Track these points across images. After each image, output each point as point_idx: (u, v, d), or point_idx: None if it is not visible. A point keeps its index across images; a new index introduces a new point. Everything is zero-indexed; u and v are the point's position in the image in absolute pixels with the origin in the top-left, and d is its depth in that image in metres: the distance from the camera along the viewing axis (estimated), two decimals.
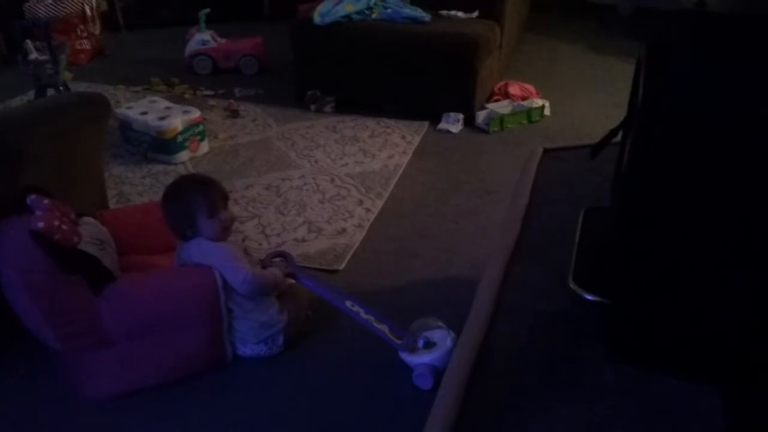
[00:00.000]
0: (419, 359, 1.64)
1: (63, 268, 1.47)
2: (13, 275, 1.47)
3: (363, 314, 1.74)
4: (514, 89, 3.45)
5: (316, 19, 3.28)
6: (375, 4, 3.38)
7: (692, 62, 1.02)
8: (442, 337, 1.66)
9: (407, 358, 1.66)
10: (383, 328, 1.72)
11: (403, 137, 3.13)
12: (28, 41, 3.13)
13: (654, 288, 1.20)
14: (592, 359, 1.25)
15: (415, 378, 1.64)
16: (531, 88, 3.50)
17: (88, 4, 4.21)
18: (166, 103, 2.97)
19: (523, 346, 1.30)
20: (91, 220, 1.69)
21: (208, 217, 1.67)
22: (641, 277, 1.20)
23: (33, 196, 1.52)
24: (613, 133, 1.52)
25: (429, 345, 1.65)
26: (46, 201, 1.51)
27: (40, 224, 1.45)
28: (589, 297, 1.28)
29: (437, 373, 1.60)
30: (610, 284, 1.28)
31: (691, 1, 1.14)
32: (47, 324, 1.49)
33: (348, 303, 1.76)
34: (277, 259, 1.87)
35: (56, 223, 1.47)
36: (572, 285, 1.30)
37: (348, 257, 2.20)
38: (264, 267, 1.81)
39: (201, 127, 2.91)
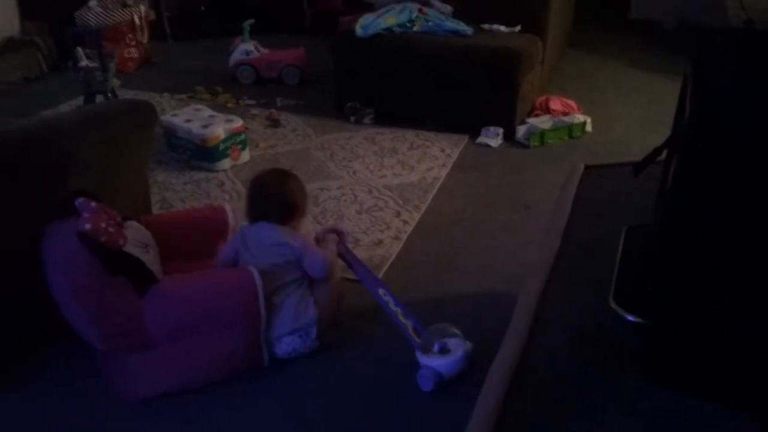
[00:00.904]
0: (428, 361, 1.71)
1: (108, 270, 1.51)
2: (60, 276, 1.51)
3: (392, 305, 1.81)
4: (555, 104, 3.43)
5: (358, 31, 3.31)
6: (417, 17, 3.40)
7: (740, 81, 1.00)
8: (456, 345, 1.74)
9: (419, 356, 1.73)
10: (407, 323, 1.77)
11: (442, 150, 3.13)
12: (78, 49, 3.22)
13: (696, 310, 1.18)
14: (631, 380, 1.23)
15: (419, 377, 1.71)
16: (572, 103, 3.47)
17: (137, 14, 4.32)
18: (210, 112, 3.03)
19: (560, 364, 1.28)
20: (135, 223, 1.73)
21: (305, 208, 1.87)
22: (683, 298, 1.18)
23: (81, 199, 1.56)
24: (657, 151, 1.49)
25: (444, 351, 1.72)
26: (93, 204, 1.56)
27: (87, 226, 1.49)
28: (630, 317, 1.26)
29: (441, 378, 1.69)
30: (651, 305, 1.25)
31: (739, 19, 1.12)
32: (92, 324, 1.53)
33: (381, 291, 1.83)
34: (332, 235, 1.95)
35: (103, 225, 1.51)
36: (613, 304, 1.28)
37: (385, 269, 2.20)
38: (318, 241, 1.91)
39: (243, 136, 2.96)
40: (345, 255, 1.94)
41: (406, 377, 1.73)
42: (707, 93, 1.06)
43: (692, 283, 1.17)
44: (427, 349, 1.72)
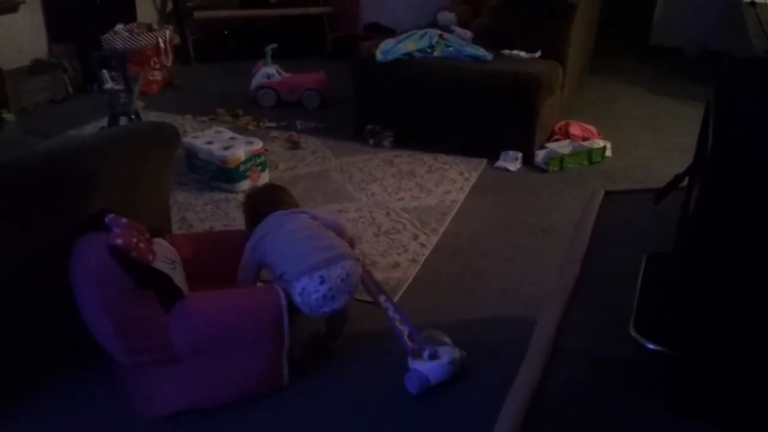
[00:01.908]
0: (417, 366, 1.76)
1: (138, 284, 1.53)
2: (89, 289, 1.54)
3: (391, 312, 1.86)
4: (575, 129, 3.42)
5: (379, 56, 3.35)
6: (437, 42, 3.43)
7: (763, 109, 1.00)
8: (444, 352, 1.79)
9: (410, 361, 1.78)
10: (404, 330, 1.82)
11: (461, 173, 3.13)
12: (104, 71, 3.29)
13: (718, 339, 1.16)
14: (650, 410, 1.21)
15: (406, 379, 1.76)
16: (592, 128, 3.47)
17: (162, 38, 4.41)
18: (231, 134, 3.07)
19: (579, 392, 1.27)
20: (162, 241, 1.75)
21: None
22: (705, 327, 1.16)
23: (111, 215, 1.59)
24: (678, 178, 1.48)
25: (433, 357, 1.77)
26: (124, 220, 1.58)
27: (119, 241, 1.52)
28: (651, 346, 1.24)
29: (427, 382, 1.75)
30: (672, 333, 1.24)
31: (763, 47, 1.12)
32: (118, 337, 1.55)
33: (382, 297, 1.89)
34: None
35: (134, 240, 1.54)
36: (633, 333, 1.27)
37: (401, 292, 2.20)
38: None
39: (262, 158, 2.99)
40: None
41: (430, 399, 1.72)
42: (730, 121, 1.05)
43: (714, 311, 1.15)
44: (417, 354, 1.77)
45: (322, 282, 1.72)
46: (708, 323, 1.17)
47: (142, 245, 1.56)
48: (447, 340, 1.85)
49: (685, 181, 1.51)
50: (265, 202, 2.02)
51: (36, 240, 1.61)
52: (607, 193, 1.81)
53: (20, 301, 1.62)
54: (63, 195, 1.66)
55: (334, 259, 1.76)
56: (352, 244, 2.06)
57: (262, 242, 1.86)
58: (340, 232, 1.99)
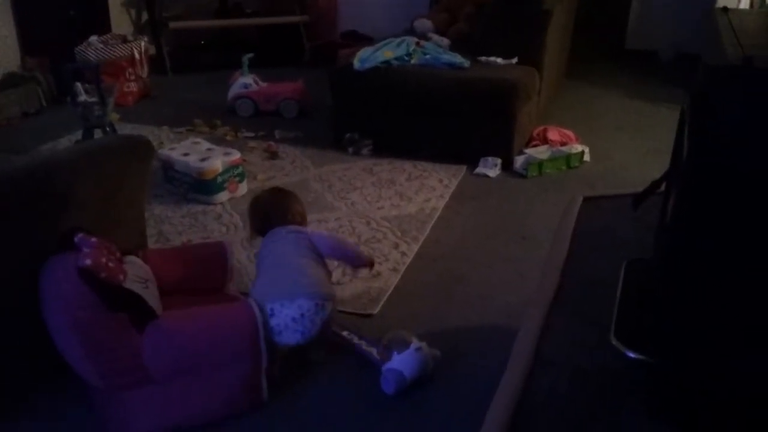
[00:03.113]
0: (388, 365, 1.76)
1: (109, 306, 1.49)
2: (58, 311, 1.50)
3: (356, 340, 1.90)
4: (553, 134, 3.44)
5: (356, 64, 3.34)
6: (414, 50, 3.43)
7: (740, 117, 1.00)
8: (413, 342, 1.80)
9: (382, 367, 1.78)
10: (371, 350, 1.85)
11: (440, 181, 3.13)
12: (77, 84, 3.24)
13: (697, 346, 1.16)
14: (633, 419, 1.21)
15: (382, 382, 1.76)
16: (570, 133, 3.49)
17: (137, 49, 4.36)
18: (208, 145, 3.04)
19: (561, 401, 1.26)
20: (134, 258, 1.72)
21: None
22: (683, 334, 1.16)
23: (80, 235, 1.55)
24: (655, 184, 1.49)
25: (400, 351, 1.78)
26: (93, 239, 1.54)
27: (88, 261, 1.48)
28: (631, 354, 1.24)
29: (402, 377, 1.74)
30: (651, 341, 1.24)
31: (737, 55, 1.12)
32: (90, 360, 1.51)
33: (345, 332, 1.93)
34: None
35: (103, 260, 1.50)
36: (614, 341, 1.26)
37: (382, 301, 2.18)
38: None
39: (240, 169, 2.96)
40: None
41: (411, 407, 1.70)
42: (706, 127, 1.05)
43: (692, 318, 1.15)
44: (386, 357, 1.78)
45: (271, 315, 1.70)
46: (686, 330, 1.17)
47: (112, 265, 1.52)
48: (413, 338, 1.82)
49: (663, 187, 1.52)
50: (276, 211, 2.01)
51: (7, 259, 1.57)
52: (586, 199, 1.81)
53: None
54: (35, 212, 1.62)
55: (291, 295, 1.72)
56: (371, 263, 2.06)
57: (259, 257, 1.93)
58: (341, 254, 2.01)
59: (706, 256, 1.11)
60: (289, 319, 1.70)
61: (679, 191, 1.17)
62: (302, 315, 1.71)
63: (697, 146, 1.07)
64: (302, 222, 2.04)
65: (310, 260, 1.85)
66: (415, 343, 1.80)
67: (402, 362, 1.75)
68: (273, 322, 1.70)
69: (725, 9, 1.42)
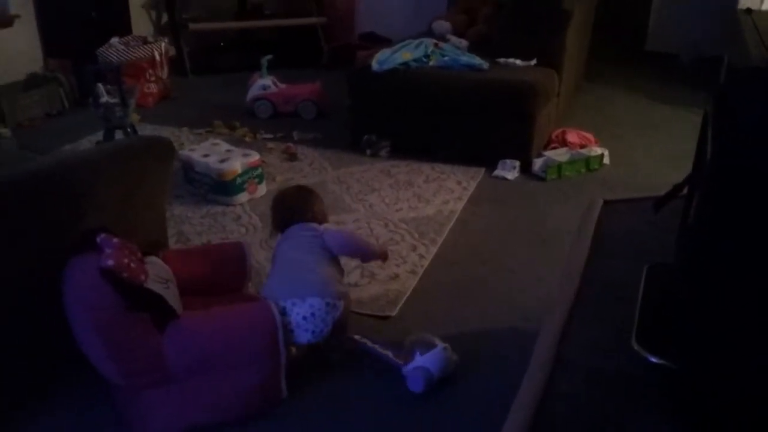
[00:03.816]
0: (413, 364, 1.75)
1: (130, 306, 1.51)
2: (81, 311, 1.51)
3: (370, 343, 1.87)
4: (572, 137, 3.42)
5: (374, 66, 3.34)
6: (432, 52, 3.42)
7: (764, 118, 0.99)
8: (433, 343, 1.80)
9: (405, 369, 1.77)
10: (387, 353, 1.84)
11: (458, 183, 3.12)
12: (99, 85, 3.28)
13: (720, 351, 1.15)
14: (654, 424, 1.20)
15: (408, 382, 1.75)
16: (590, 136, 3.47)
17: (157, 50, 4.41)
18: (227, 146, 3.06)
19: (582, 406, 1.25)
20: (155, 259, 1.73)
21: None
22: (706, 339, 1.15)
23: (103, 235, 1.57)
24: (677, 188, 1.48)
25: (425, 350, 1.78)
26: (115, 240, 1.56)
27: (110, 262, 1.49)
28: (653, 359, 1.23)
29: (429, 374, 1.73)
30: (674, 346, 1.22)
31: (762, 56, 1.11)
32: (112, 359, 1.53)
33: (357, 336, 1.90)
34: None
35: (125, 261, 1.52)
36: (635, 345, 1.25)
37: (400, 304, 2.18)
38: None
39: (259, 170, 2.98)
40: None
41: (432, 409, 1.70)
42: (730, 130, 1.04)
43: (715, 322, 1.14)
44: (408, 359, 1.78)
45: (282, 314, 1.72)
46: (708, 335, 1.16)
47: (133, 265, 1.54)
48: (438, 339, 1.83)
49: (685, 190, 1.51)
50: (299, 209, 2.01)
51: (29, 259, 1.59)
52: (606, 203, 1.80)
53: (11, 321, 1.60)
54: (58, 212, 1.64)
55: (302, 293, 1.74)
56: (384, 256, 2.08)
57: (274, 254, 1.96)
58: (352, 250, 2.02)
59: (728, 259, 1.10)
60: (300, 318, 1.73)
61: (702, 194, 1.16)
62: (313, 314, 1.73)
63: (721, 148, 1.06)
64: (322, 221, 2.04)
65: (322, 258, 1.86)
66: (441, 343, 1.81)
67: (429, 360, 1.76)
68: (284, 321, 1.72)
69: (749, 10, 1.41)
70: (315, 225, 1.98)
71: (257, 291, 2.08)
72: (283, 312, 1.72)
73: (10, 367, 1.65)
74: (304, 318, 1.72)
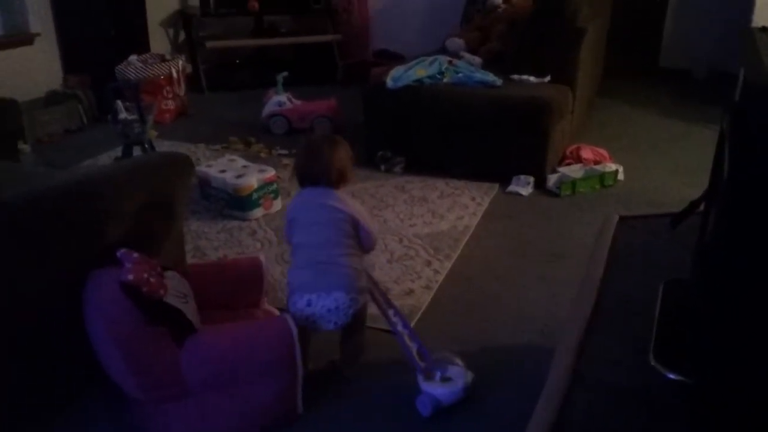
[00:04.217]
0: (429, 388, 1.75)
1: (150, 320, 1.53)
2: (101, 325, 1.53)
3: (400, 327, 1.86)
4: (586, 153, 3.42)
5: (389, 83, 3.37)
6: (446, 68, 3.45)
7: None
8: (457, 375, 1.78)
9: (420, 381, 1.77)
10: (412, 346, 1.82)
11: (473, 198, 3.13)
12: (118, 102, 3.33)
13: (739, 368, 1.14)
14: None
15: (418, 401, 1.75)
16: (604, 152, 3.47)
17: (175, 67, 4.47)
18: (244, 162, 3.09)
19: (599, 422, 1.25)
20: (174, 273, 1.75)
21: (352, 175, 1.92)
22: (724, 355, 1.15)
23: (123, 250, 1.59)
24: (694, 204, 1.48)
25: (445, 379, 1.76)
26: (135, 254, 1.58)
27: (130, 276, 1.52)
28: (671, 375, 1.23)
29: (439, 404, 1.74)
30: (692, 362, 1.22)
31: None
32: (131, 373, 1.54)
33: (391, 311, 1.89)
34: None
35: (145, 275, 1.54)
36: (653, 361, 1.25)
37: (415, 319, 2.18)
38: None
39: (275, 186, 3.00)
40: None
41: (446, 429, 1.70)
42: (746, 145, 1.05)
43: (732, 338, 1.14)
44: (429, 376, 1.77)
45: (308, 305, 1.76)
46: (727, 351, 1.16)
47: (153, 280, 1.56)
48: (459, 361, 1.83)
49: (702, 207, 1.51)
50: (318, 169, 1.85)
51: (50, 274, 1.61)
52: (622, 218, 1.80)
53: (33, 335, 1.62)
54: (77, 227, 1.67)
55: (327, 287, 1.77)
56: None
57: (289, 226, 1.89)
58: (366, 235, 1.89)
59: (745, 275, 1.10)
60: (324, 310, 1.77)
61: (719, 210, 1.17)
62: (337, 307, 1.77)
63: (738, 164, 1.07)
64: (339, 179, 1.87)
65: (349, 249, 1.82)
66: (461, 375, 1.79)
67: (445, 395, 1.75)
68: (308, 311, 1.77)
69: (764, 28, 1.42)
70: (337, 197, 1.84)
71: (278, 305, 2.10)
72: (309, 303, 1.76)
73: (30, 381, 1.67)
74: (329, 310, 1.77)
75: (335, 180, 1.87)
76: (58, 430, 1.72)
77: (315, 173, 1.86)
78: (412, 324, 2.14)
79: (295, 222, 1.87)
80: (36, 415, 1.73)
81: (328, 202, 1.83)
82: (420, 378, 1.77)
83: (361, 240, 1.85)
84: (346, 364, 1.92)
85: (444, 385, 1.75)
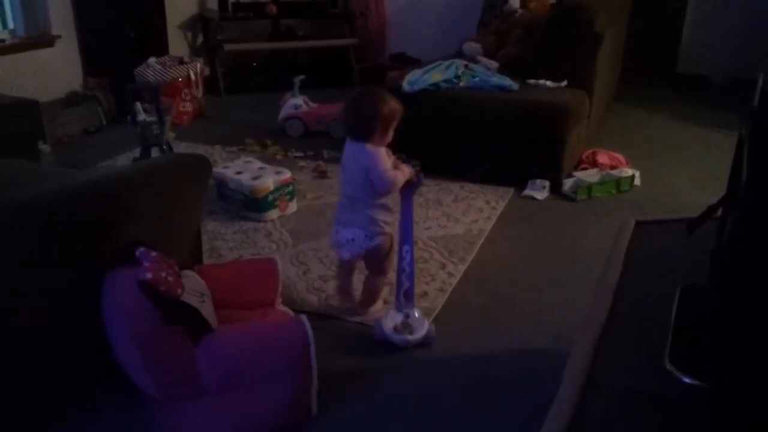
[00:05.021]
0: (388, 329, 2.03)
1: (167, 319, 1.54)
2: (120, 322, 1.55)
3: (405, 263, 2.06)
4: (602, 158, 3.41)
5: (405, 86, 3.38)
6: (463, 73, 3.45)
7: None
8: (418, 326, 2.05)
9: (389, 314, 2.07)
10: (405, 284, 2.06)
11: (488, 202, 3.13)
12: (137, 103, 3.37)
13: (755, 373, 1.14)
14: None
15: (376, 326, 2.08)
16: (620, 157, 3.45)
17: (193, 70, 4.51)
18: (260, 164, 3.11)
19: (615, 427, 1.25)
20: (191, 273, 1.77)
21: (389, 128, 2.09)
22: (741, 360, 1.14)
23: (141, 249, 1.61)
24: (712, 209, 1.47)
25: (405, 327, 2.04)
26: (153, 254, 1.60)
27: (149, 275, 1.53)
28: (687, 380, 1.22)
29: (385, 340, 2.04)
30: (708, 367, 1.22)
31: None
32: (149, 372, 1.56)
33: (406, 248, 2.07)
34: (413, 162, 2.20)
35: (163, 274, 1.55)
36: (669, 366, 1.25)
37: (429, 321, 2.19)
38: (396, 166, 2.11)
39: (291, 188, 3.02)
40: (412, 185, 2.15)
41: (461, 429, 1.70)
42: (766, 151, 1.04)
43: (749, 343, 1.13)
44: (393, 318, 2.05)
45: (336, 233, 2.14)
46: (743, 356, 1.15)
47: (171, 279, 1.57)
48: (428, 325, 2.08)
49: (719, 212, 1.50)
50: (354, 123, 2.06)
51: (70, 272, 1.64)
52: (638, 223, 1.79)
53: (51, 332, 1.64)
54: (97, 227, 1.69)
55: (349, 223, 2.10)
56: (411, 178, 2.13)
57: (341, 168, 2.15)
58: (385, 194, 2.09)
59: (762, 281, 1.10)
60: (344, 240, 2.11)
61: (736, 215, 1.16)
62: (353, 239, 2.09)
63: (757, 169, 1.07)
64: (367, 133, 2.03)
65: (368, 199, 2.07)
66: (418, 337, 2.04)
67: (397, 338, 2.04)
68: (335, 238, 2.14)
69: None
70: (362, 150, 2.03)
71: (292, 306, 2.15)
72: (336, 231, 2.13)
73: (50, 377, 1.69)
74: (347, 241, 2.11)
75: (363, 134, 2.04)
76: (82, 425, 1.74)
77: (347, 126, 2.11)
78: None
79: (342, 166, 2.15)
80: (46, 415, 1.74)
81: (355, 154, 2.05)
82: (391, 311, 2.07)
83: (373, 185, 2.03)
84: (361, 306, 2.21)
85: (399, 333, 2.03)
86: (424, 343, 2.06)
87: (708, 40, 5.24)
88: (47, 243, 1.57)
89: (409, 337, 2.03)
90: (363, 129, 2.03)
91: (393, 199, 2.13)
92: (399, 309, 2.06)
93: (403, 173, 2.09)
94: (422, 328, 2.06)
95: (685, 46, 5.42)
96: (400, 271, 2.06)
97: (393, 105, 2.07)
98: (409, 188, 2.12)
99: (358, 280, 2.26)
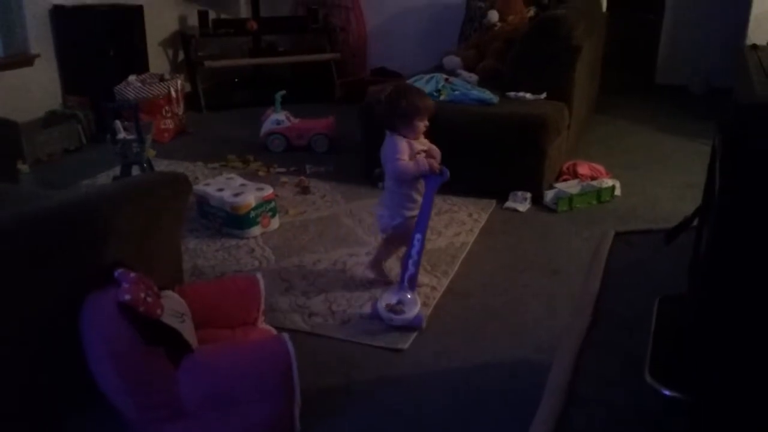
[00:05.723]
0: (380, 307, 2.20)
1: (146, 340, 1.53)
2: (98, 344, 1.54)
3: (414, 250, 2.23)
4: (583, 169, 3.44)
5: None
6: (443, 86, 3.47)
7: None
8: (406, 315, 2.17)
9: (385, 293, 2.26)
10: (411, 270, 2.22)
11: (470, 215, 3.14)
12: (117, 121, 3.34)
13: (734, 384, 1.14)
14: None
15: (372, 306, 2.28)
16: (601, 168, 3.48)
17: (173, 87, 4.49)
18: (242, 180, 3.10)
19: None
20: (171, 293, 1.75)
21: (417, 120, 2.32)
22: (720, 372, 1.15)
23: (120, 270, 1.60)
24: (688, 220, 1.49)
25: (396, 307, 2.18)
26: (132, 274, 1.59)
27: (127, 296, 1.52)
28: (667, 392, 1.22)
29: (378, 318, 2.21)
30: (687, 379, 1.22)
31: (766, 90, 1.13)
32: (127, 393, 1.54)
33: (418, 236, 2.23)
34: (430, 159, 2.36)
35: (142, 295, 1.54)
36: (648, 378, 1.25)
37: (413, 336, 2.18)
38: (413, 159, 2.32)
39: (273, 204, 3.01)
40: (429, 182, 2.32)
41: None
42: (736, 164, 1.06)
43: (728, 354, 1.14)
44: (389, 297, 2.21)
45: (376, 212, 2.51)
46: (723, 367, 1.16)
47: (150, 300, 1.56)
48: (418, 311, 2.21)
49: (696, 222, 1.51)
50: (387, 119, 2.33)
51: (49, 293, 1.62)
52: (618, 234, 1.80)
53: (30, 355, 1.62)
54: (76, 247, 1.67)
55: (381, 204, 2.47)
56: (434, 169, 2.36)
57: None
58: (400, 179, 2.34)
59: (740, 291, 1.10)
60: (378, 217, 2.47)
61: (712, 226, 1.18)
62: (382, 215, 2.42)
63: (728, 183, 1.08)
64: (392, 126, 2.33)
65: (390, 186, 2.38)
66: (406, 321, 2.18)
67: (386, 318, 2.19)
68: (379, 210, 2.47)
69: (755, 46, 1.44)
70: (388, 141, 2.33)
71: (275, 324, 2.13)
72: (376, 211, 2.50)
73: (28, 401, 1.66)
74: (378, 217, 2.44)
75: (387, 125, 2.33)
76: None
77: (379, 119, 2.36)
78: (409, 342, 2.15)
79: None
80: None
81: (385, 144, 2.33)
82: (388, 291, 2.25)
83: (383, 164, 2.33)
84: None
85: (391, 312, 2.17)
86: (412, 325, 2.17)
87: (686, 50, 5.33)
88: (26, 263, 1.55)
89: (394, 317, 2.16)
90: (385, 121, 2.33)
91: (419, 192, 2.33)
92: (398, 291, 2.21)
93: (418, 165, 2.27)
94: (412, 311, 2.17)
95: (663, 57, 5.50)
96: (408, 257, 2.23)
97: (413, 99, 2.28)
98: (431, 181, 2.30)
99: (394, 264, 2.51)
